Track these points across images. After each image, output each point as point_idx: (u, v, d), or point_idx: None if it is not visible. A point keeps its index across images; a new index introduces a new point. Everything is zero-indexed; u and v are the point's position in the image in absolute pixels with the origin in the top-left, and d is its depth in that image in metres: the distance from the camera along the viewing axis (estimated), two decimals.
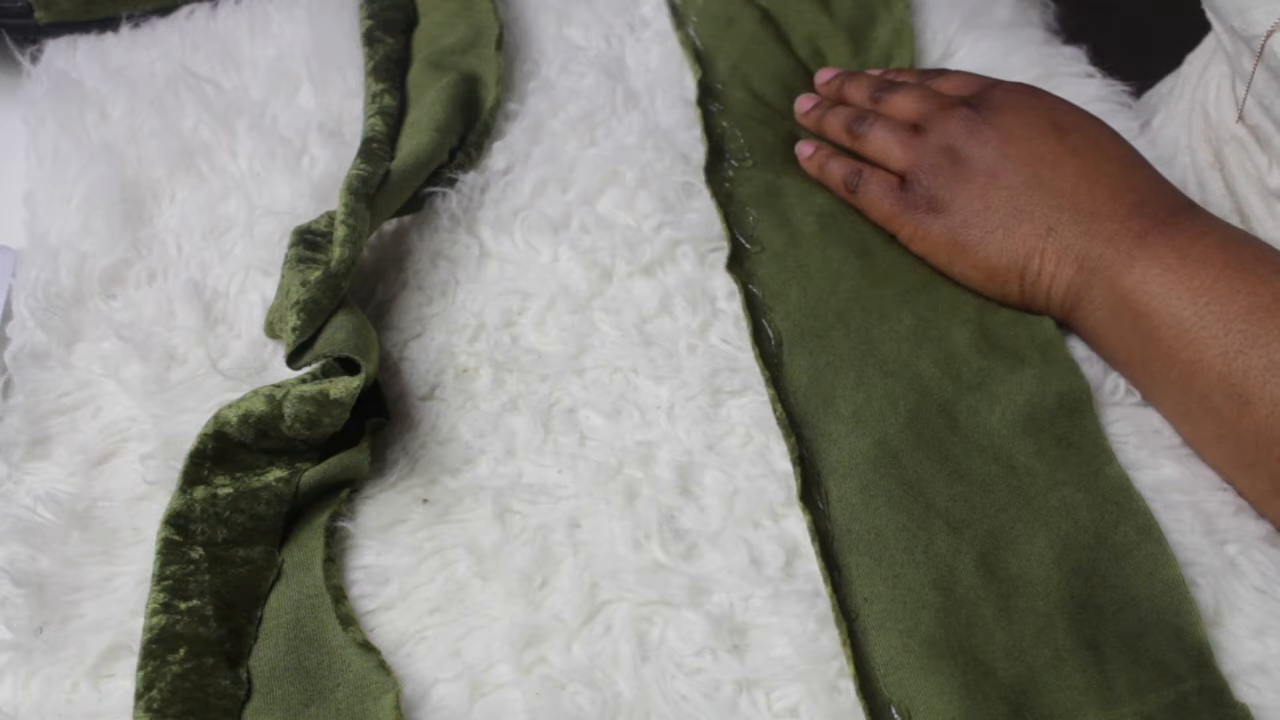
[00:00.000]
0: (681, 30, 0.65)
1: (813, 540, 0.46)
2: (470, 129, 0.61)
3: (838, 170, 0.57)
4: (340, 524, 0.48)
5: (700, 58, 0.64)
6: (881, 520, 0.46)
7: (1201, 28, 0.65)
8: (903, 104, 0.57)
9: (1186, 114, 0.64)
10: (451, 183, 0.59)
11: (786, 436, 0.49)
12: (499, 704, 0.43)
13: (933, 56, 0.64)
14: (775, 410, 0.49)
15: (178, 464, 0.48)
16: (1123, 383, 0.50)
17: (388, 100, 0.61)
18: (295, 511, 0.49)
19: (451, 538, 0.47)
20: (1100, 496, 0.47)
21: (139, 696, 0.42)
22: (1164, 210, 0.49)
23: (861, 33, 0.65)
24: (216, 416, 0.48)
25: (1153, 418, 0.50)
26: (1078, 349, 0.52)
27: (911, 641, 0.43)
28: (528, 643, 0.44)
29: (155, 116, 0.63)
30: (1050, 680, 0.42)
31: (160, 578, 0.45)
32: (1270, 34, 0.50)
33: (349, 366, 0.49)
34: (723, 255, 0.55)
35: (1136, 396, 0.50)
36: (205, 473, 0.48)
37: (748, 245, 0.56)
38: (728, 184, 0.58)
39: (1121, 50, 0.65)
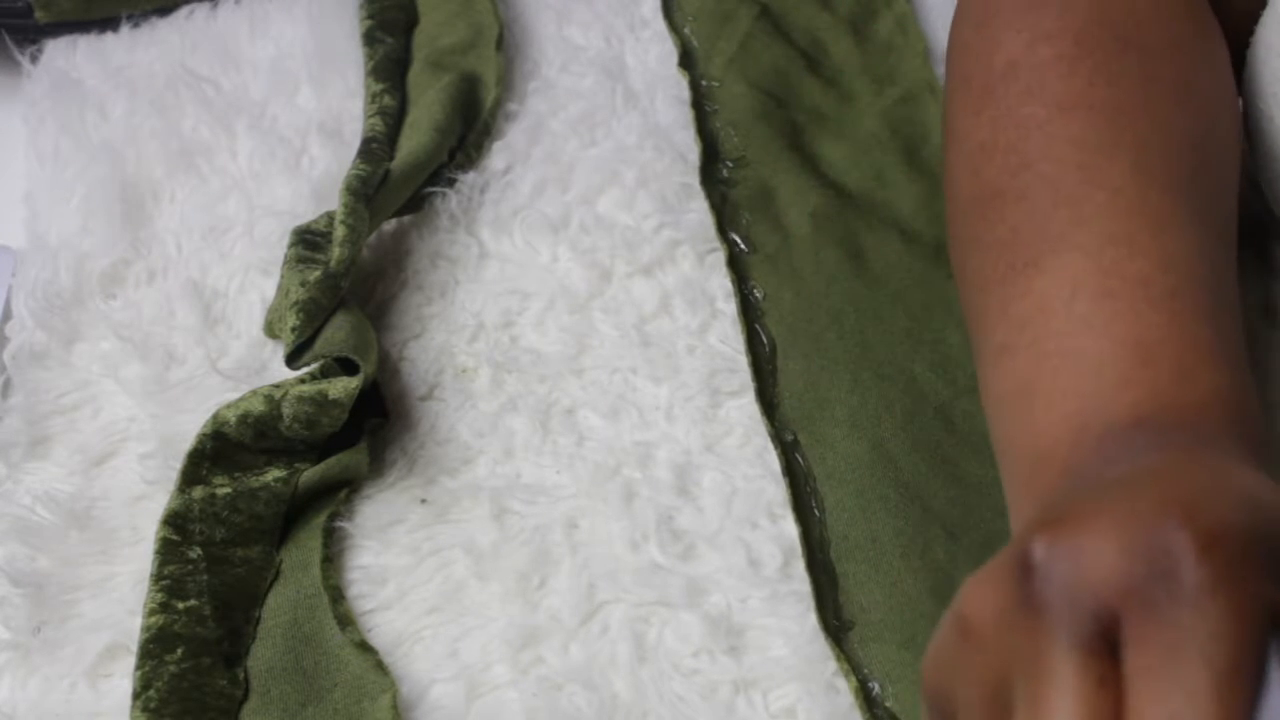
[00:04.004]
0: (676, 33, 0.65)
1: (803, 554, 0.46)
2: (470, 129, 0.61)
3: None
4: (338, 524, 0.48)
5: (693, 56, 0.64)
6: (878, 526, 0.46)
7: None
8: None
9: None
10: (451, 183, 0.59)
11: (775, 446, 0.49)
12: (496, 704, 0.43)
13: (933, 55, 0.64)
14: (765, 425, 0.49)
15: (176, 464, 0.48)
16: None
17: (388, 100, 0.61)
18: (294, 511, 0.49)
19: (449, 538, 0.48)
20: None
21: (136, 696, 0.42)
22: None
23: (863, 25, 0.65)
24: (215, 416, 0.48)
25: None
26: None
27: (908, 654, 0.43)
28: (525, 643, 0.44)
29: (155, 116, 0.63)
30: None
31: (158, 577, 0.45)
32: None
33: (348, 367, 0.49)
34: (721, 256, 0.55)
35: None
36: (204, 472, 0.48)
37: (743, 248, 0.56)
38: (722, 185, 0.58)
39: None
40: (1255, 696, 0.24)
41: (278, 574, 0.47)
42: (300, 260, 0.53)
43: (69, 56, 0.67)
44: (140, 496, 0.50)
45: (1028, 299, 0.38)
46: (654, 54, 0.64)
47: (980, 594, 0.27)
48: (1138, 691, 0.24)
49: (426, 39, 0.66)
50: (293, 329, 0.50)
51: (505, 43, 0.65)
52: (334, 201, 0.55)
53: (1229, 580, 0.24)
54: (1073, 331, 0.36)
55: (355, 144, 0.60)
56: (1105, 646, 0.25)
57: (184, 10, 0.68)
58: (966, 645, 0.27)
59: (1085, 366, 0.35)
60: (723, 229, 0.56)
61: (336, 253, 0.52)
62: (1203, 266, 0.37)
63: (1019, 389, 0.38)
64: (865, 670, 0.43)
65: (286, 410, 0.47)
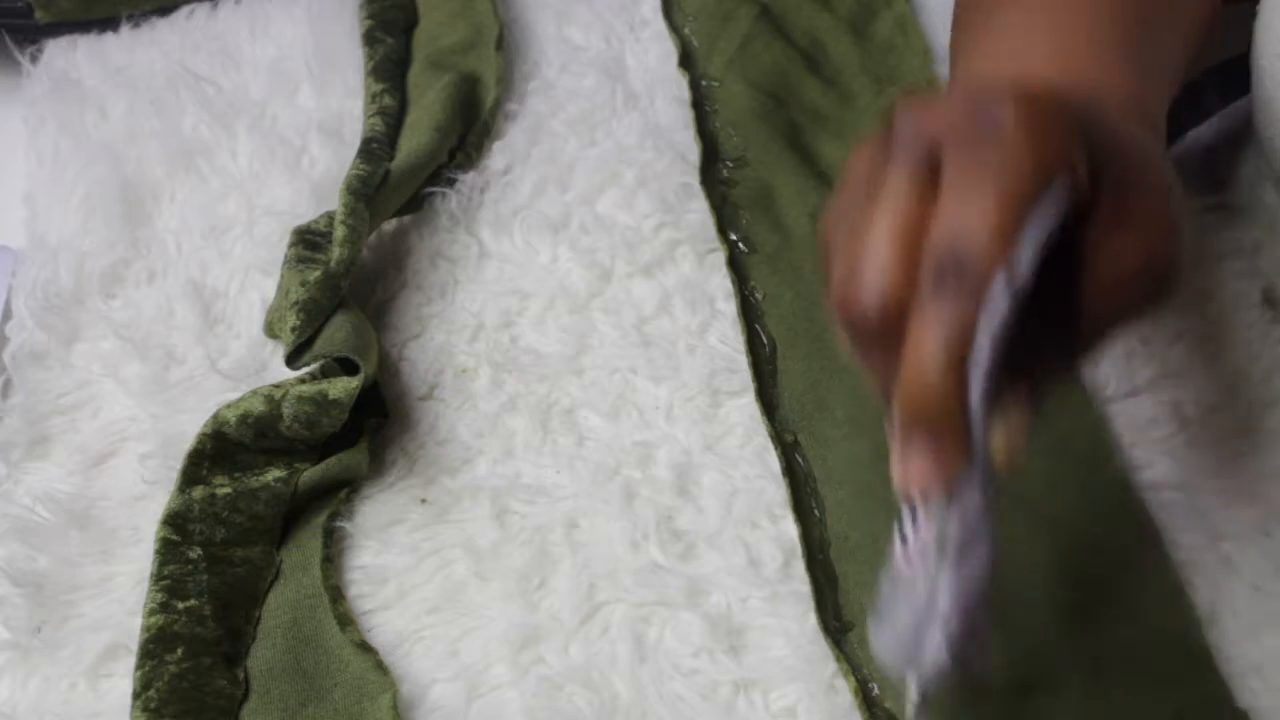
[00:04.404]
0: (676, 33, 0.64)
1: (803, 555, 0.46)
2: (470, 129, 0.61)
3: None
4: (339, 524, 0.48)
5: (693, 56, 0.64)
6: (878, 526, 0.46)
7: None
8: None
9: None
10: (451, 183, 0.59)
11: (775, 447, 0.49)
12: (496, 704, 0.43)
13: (932, 55, 0.64)
14: (765, 425, 0.49)
15: (176, 464, 0.48)
16: (1116, 378, 0.50)
17: (388, 100, 0.61)
18: (294, 512, 0.49)
19: (449, 538, 0.48)
20: (1098, 501, 0.46)
21: (136, 696, 0.42)
22: None
23: (863, 25, 0.65)
24: (215, 416, 0.48)
25: (1146, 410, 0.49)
26: None
27: None
28: (525, 643, 0.44)
29: (155, 116, 0.63)
30: (1049, 692, 0.42)
31: (158, 577, 0.45)
32: None
33: (348, 367, 0.49)
34: (721, 256, 0.55)
35: (1130, 390, 0.50)
36: (204, 472, 0.48)
37: (743, 248, 0.56)
38: (723, 185, 0.58)
39: None
40: (1029, 217, 0.30)
41: (278, 574, 0.47)
42: (300, 260, 0.53)
43: (69, 56, 0.67)
44: (140, 496, 0.50)
45: (991, 22, 0.46)
46: (654, 54, 0.64)
47: (859, 153, 0.34)
48: (942, 201, 0.31)
49: (426, 39, 0.66)
50: (293, 329, 0.50)
51: (505, 43, 0.65)
52: (334, 201, 0.55)
53: (1036, 130, 0.31)
54: (1019, 37, 0.44)
55: (355, 144, 0.60)
56: (930, 174, 0.32)
57: (184, 10, 0.68)
58: (843, 191, 0.34)
59: (1020, 54, 0.43)
60: (723, 229, 0.56)
61: (336, 253, 0.52)
62: (1139, 11, 0.44)
63: (965, 52, 0.47)
64: (865, 670, 0.43)
65: (287, 410, 0.47)
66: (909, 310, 0.31)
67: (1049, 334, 0.33)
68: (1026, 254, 0.30)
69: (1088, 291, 0.33)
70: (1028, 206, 0.30)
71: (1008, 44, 0.44)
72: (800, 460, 0.49)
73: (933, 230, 0.31)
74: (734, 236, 0.56)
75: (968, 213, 0.30)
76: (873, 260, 0.32)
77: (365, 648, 0.44)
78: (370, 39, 0.64)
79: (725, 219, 0.56)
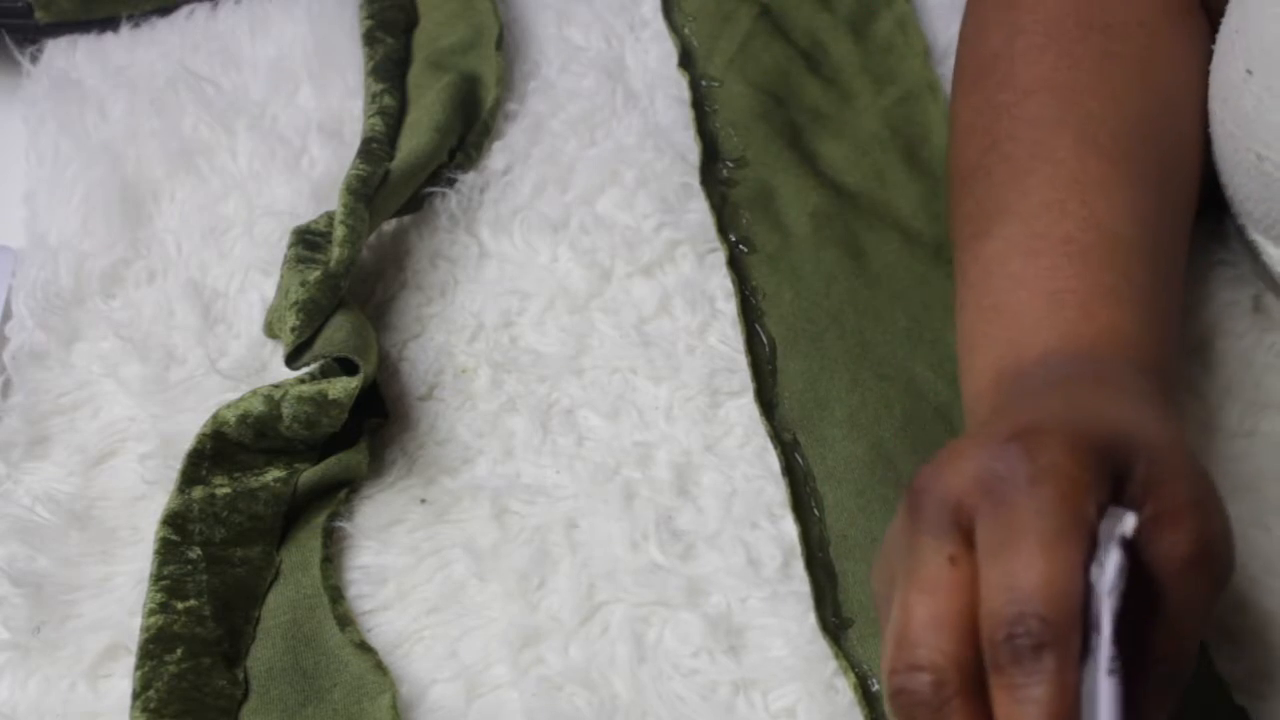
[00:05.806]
0: (676, 33, 0.65)
1: (802, 554, 0.46)
2: (470, 129, 0.61)
3: None
4: (338, 524, 0.48)
5: (693, 56, 0.64)
6: (877, 525, 0.46)
7: None
8: None
9: None
10: (451, 183, 0.59)
11: (775, 446, 0.49)
12: (496, 704, 0.43)
13: (933, 55, 0.64)
14: (764, 425, 0.49)
15: (176, 464, 0.48)
16: None
17: (388, 100, 0.61)
18: (293, 512, 0.49)
19: (449, 538, 0.48)
20: None
21: (136, 696, 0.42)
22: None
23: (863, 25, 0.65)
24: (215, 416, 0.48)
25: None
26: None
27: None
28: (525, 643, 0.44)
29: (155, 116, 0.63)
30: None
31: (158, 577, 0.45)
32: None
33: (348, 367, 0.49)
34: (722, 256, 0.55)
35: None
36: (204, 473, 0.48)
37: (743, 248, 0.56)
38: (722, 185, 0.58)
39: None
40: (1085, 557, 0.30)
41: (277, 574, 0.47)
42: (300, 260, 0.53)
43: (69, 56, 0.66)
44: (140, 496, 0.50)
45: (977, 263, 0.44)
46: (654, 54, 0.64)
47: (891, 524, 0.34)
48: (983, 562, 0.31)
49: (426, 39, 0.66)
50: (292, 329, 0.50)
51: (505, 43, 0.65)
52: (334, 201, 0.55)
53: (1052, 471, 0.31)
54: (1005, 288, 0.43)
55: (355, 144, 0.60)
56: (961, 534, 0.32)
57: (184, 10, 0.68)
58: (881, 561, 0.35)
59: (1010, 316, 0.42)
60: (723, 229, 0.56)
61: (336, 253, 0.52)
62: (1129, 225, 0.43)
63: (964, 343, 0.44)
64: (865, 666, 0.43)
65: (286, 410, 0.47)
66: (968, 689, 0.30)
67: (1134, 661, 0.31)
68: (1105, 606, 0.30)
69: (1164, 600, 0.31)
70: (1071, 550, 0.30)
71: (992, 310, 0.43)
72: (800, 459, 0.49)
73: (985, 601, 0.30)
74: (734, 236, 0.56)
75: (1018, 574, 0.29)
76: (919, 648, 0.31)
77: (365, 648, 0.44)
78: (370, 39, 0.64)
79: (725, 219, 0.56)
